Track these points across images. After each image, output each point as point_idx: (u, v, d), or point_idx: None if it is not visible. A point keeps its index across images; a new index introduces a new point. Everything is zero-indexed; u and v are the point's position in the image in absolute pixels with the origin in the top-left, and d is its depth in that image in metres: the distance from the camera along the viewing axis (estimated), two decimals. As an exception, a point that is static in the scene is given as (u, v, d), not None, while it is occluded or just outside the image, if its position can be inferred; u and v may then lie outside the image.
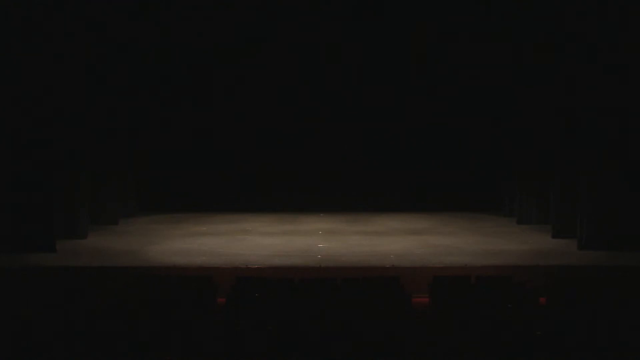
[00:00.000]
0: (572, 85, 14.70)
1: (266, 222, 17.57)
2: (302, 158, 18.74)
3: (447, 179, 18.81)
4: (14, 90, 14.01)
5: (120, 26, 15.96)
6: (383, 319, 8.95)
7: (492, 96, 17.50)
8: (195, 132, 18.50)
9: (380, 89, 18.09)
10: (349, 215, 18.21)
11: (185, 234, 16.18)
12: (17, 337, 8.13)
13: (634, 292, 10.41)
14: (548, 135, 15.92)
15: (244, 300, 9.99)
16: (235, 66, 17.78)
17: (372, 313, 9.18)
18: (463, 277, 11.22)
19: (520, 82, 16.41)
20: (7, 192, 14.14)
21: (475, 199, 18.82)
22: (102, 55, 15.86)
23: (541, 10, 15.13)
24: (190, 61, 17.61)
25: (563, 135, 15.24)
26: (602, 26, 13.87)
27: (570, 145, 14.97)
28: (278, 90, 18.17)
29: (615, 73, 13.94)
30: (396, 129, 18.56)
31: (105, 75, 16.12)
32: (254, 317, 9.03)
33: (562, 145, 15.33)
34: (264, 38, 17.38)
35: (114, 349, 7.82)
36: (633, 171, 14.14)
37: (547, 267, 13.01)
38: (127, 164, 17.94)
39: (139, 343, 8.01)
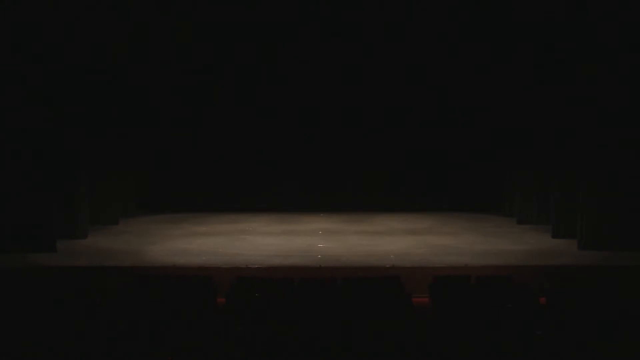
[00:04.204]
0: (572, 85, 14.72)
1: (266, 222, 17.58)
2: (303, 158, 18.76)
3: (447, 179, 18.84)
4: (14, 90, 14.00)
5: (122, 27, 15.95)
6: (383, 319, 8.95)
7: (492, 95, 17.49)
8: (196, 132, 18.52)
9: (380, 89, 18.09)
10: (349, 215, 18.23)
11: (185, 234, 16.18)
12: (17, 337, 8.13)
13: (634, 292, 10.41)
14: (548, 135, 15.94)
15: (244, 300, 9.99)
16: (234, 66, 17.76)
17: (372, 313, 9.18)
18: (463, 277, 11.22)
19: (520, 82, 16.41)
20: (7, 192, 14.14)
21: (475, 199, 18.85)
22: (102, 55, 15.84)
23: (538, 10, 15.13)
24: (191, 61, 17.59)
25: (563, 135, 15.28)
26: (601, 24, 13.88)
27: (570, 145, 14.99)
28: (278, 90, 18.17)
29: (615, 72, 13.96)
30: (396, 128, 18.56)
31: (105, 74, 16.11)
32: (254, 317, 9.03)
33: (562, 145, 15.36)
34: (265, 39, 17.35)
35: (114, 349, 7.81)
36: (633, 171, 14.15)
37: (547, 267, 13.01)
38: (127, 164, 17.95)
39: (139, 343, 8.01)
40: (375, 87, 18.10)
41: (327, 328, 8.49)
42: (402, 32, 16.99)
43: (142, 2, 15.49)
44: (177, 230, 16.61)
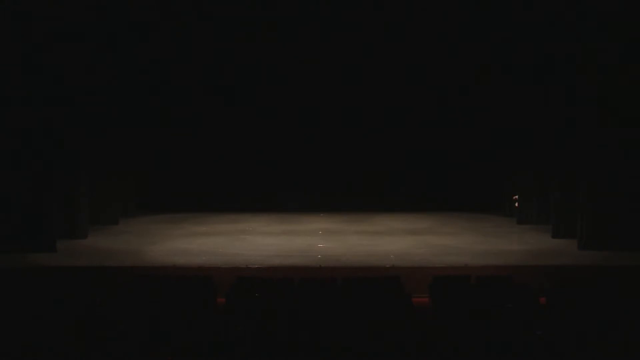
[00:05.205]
0: (571, 85, 14.73)
1: (266, 222, 17.58)
2: (303, 158, 18.77)
3: (447, 178, 18.85)
4: (14, 89, 14.01)
5: (124, 27, 15.96)
6: (383, 319, 8.95)
7: (492, 95, 17.50)
8: (196, 132, 18.53)
9: (380, 89, 18.09)
10: (349, 215, 18.23)
11: (185, 234, 16.18)
12: (17, 337, 8.13)
13: (634, 292, 10.41)
14: (548, 135, 15.95)
15: (244, 300, 9.99)
16: (234, 66, 17.77)
17: (372, 313, 9.18)
18: (463, 277, 11.22)
19: (520, 82, 16.41)
20: (7, 191, 14.14)
21: (475, 199, 18.85)
22: (102, 55, 15.85)
23: (538, 10, 15.14)
24: (191, 61, 17.60)
25: (563, 135, 15.29)
26: (600, 24, 13.89)
27: (570, 145, 15.00)
28: (278, 90, 18.18)
29: (615, 72, 13.96)
30: (396, 128, 18.57)
31: (105, 74, 16.11)
32: (254, 317, 9.03)
33: (562, 145, 15.37)
34: (265, 39, 17.36)
35: (114, 349, 7.81)
36: (633, 171, 14.15)
37: (547, 267, 13.01)
38: (127, 164, 17.95)
39: (139, 343, 8.01)
40: (375, 87, 18.10)
41: (327, 328, 8.49)
42: (402, 32, 16.99)
43: (142, 2, 15.50)
44: (177, 230, 16.61)
